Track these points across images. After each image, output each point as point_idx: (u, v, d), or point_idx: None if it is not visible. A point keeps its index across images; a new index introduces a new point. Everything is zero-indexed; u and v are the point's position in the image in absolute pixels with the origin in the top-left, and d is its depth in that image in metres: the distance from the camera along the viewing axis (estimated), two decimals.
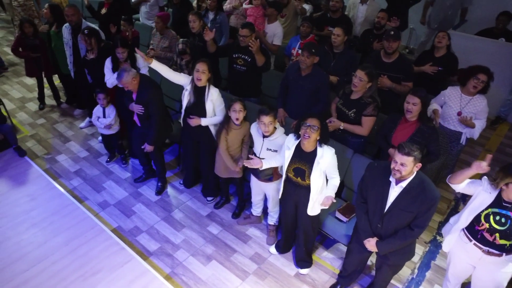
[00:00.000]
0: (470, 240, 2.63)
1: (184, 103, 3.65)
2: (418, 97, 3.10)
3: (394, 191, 2.52)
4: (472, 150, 5.10)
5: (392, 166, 2.44)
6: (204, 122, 3.61)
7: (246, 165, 3.11)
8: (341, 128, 3.52)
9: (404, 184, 2.48)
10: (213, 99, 3.55)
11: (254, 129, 3.33)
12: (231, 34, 5.33)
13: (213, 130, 3.70)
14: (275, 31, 4.98)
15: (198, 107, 3.58)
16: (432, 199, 2.43)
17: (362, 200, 2.75)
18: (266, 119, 3.03)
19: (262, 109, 3.08)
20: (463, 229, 2.68)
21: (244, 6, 5.27)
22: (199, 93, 3.55)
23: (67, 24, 4.65)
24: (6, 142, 4.64)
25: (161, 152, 4.24)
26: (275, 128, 3.17)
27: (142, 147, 3.89)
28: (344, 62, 4.20)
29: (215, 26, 5.22)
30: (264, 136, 3.21)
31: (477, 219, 2.55)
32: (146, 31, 5.75)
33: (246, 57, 4.00)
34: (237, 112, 3.28)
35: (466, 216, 2.62)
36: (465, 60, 4.58)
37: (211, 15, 5.30)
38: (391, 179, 2.53)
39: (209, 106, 3.57)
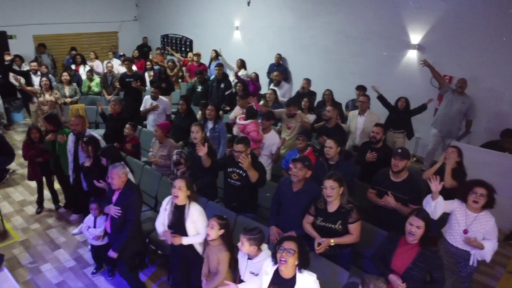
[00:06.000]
0: None
1: (166, 222, 3.48)
2: (423, 219, 2.88)
3: None
4: (491, 270, 4.62)
5: None
6: (185, 241, 3.40)
7: None
8: (332, 244, 3.26)
9: None
10: (194, 219, 3.38)
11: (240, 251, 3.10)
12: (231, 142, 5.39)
13: (198, 248, 3.46)
14: (273, 141, 4.99)
15: (178, 227, 3.41)
16: None
17: None
18: (240, 237, 2.91)
19: (247, 227, 2.98)
20: None
21: (239, 121, 5.25)
22: (179, 212, 3.40)
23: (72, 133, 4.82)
24: None
25: (133, 271, 3.91)
26: (259, 250, 2.96)
27: (108, 254, 3.63)
28: (341, 174, 4.06)
29: (213, 134, 5.34)
30: (249, 258, 2.98)
31: None
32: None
33: (241, 172, 3.91)
34: (209, 228, 3.13)
35: None
36: (472, 172, 4.42)
37: (210, 124, 5.46)
38: None
39: (189, 227, 3.38)
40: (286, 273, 2.66)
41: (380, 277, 2.33)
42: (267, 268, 2.77)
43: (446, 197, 3.97)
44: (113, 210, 3.59)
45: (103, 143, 4.76)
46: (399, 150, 3.76)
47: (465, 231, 3.41)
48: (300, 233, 3.51)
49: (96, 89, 8.48)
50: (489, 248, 3.38)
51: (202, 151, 3.95)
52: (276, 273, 2.71)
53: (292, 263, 2.61)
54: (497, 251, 4.83)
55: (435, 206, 3.39)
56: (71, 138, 4.83)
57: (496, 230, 3.40)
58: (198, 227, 3.39)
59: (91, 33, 12.19)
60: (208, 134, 5.33)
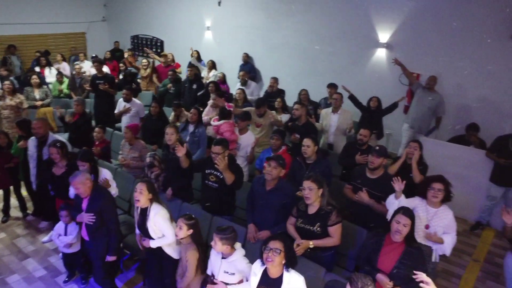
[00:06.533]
0: None
1: (135, 224, 3.50)
2: (409, 217, 2.94)
3: None
4: (459, 259, 4.80)
5: None
6: (153, 244, 3.38)
7: None
8: (311, 247, 3.28)
9: None
10: (153, 222, 3.34)
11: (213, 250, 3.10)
12: (208, 144, 5.37)
13: (168, 250, 3.43)
14: (248, 141, 4.99)
15: (143, 230, 3.43)
16: None
17: None
18: (214, 236, 2.91)
19: (219, 226, 2.98)
20: None
21: (213, 123, 5.25)
22: (142, 215, 3.41)
23: (33, 137, 4.68)
24: None
25: (109, 276, 3.89)
26: (233, 249, 2.97)
27: (106, 260, 3.63)
28: (318, 172, 4.10)
29: (193, 139, 5.28)
30: (223, 257, 2.99)
31: None
32: None
33: (219, 174, 3.87)
34: (177, 229, 3.13)
35: None
36: (440, 167, 4.59)
37: (191, 128, 5.40)
38: None
39: (150, 229, 3.37)
40: (273, 272, 2.67)
41: (367, 275, 2.35)
42: (256, 269, 2.77)
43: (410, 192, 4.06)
44: (86, 217, 3.52)
45: (69, 147, 4.64)
46: (377, 148, 3.86)
47: (427, 227, 3.49)
48: (274, 232, 3.49)
49: (67, 92, 8.25)
50: (449, 242, 3.47)
51: (181, 151, 3.91)
52: (265, 273, 2.72)
53: (278, 262, 2.62)
54: (463, 240, 5.10)
55: (398, 204, 3.45)
56: (32, 143, 4.68)
57: (455, 223, 3.51)
58: (160, 229, 3.36)
59: (58, 34, 11.80)
60: (187, 137, 5.29)
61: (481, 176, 5.32)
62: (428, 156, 4.67)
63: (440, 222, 3.47)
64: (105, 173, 4.22)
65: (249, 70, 8.64)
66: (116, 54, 10.90)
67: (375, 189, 3.84)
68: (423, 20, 6.81)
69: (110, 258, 3.65)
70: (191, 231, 3.13)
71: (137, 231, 3.58)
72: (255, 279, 2.75)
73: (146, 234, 3.42)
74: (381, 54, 7.47)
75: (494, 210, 5.37)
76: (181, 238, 3.15)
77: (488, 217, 5.46)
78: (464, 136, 5.74)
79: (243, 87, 7.36)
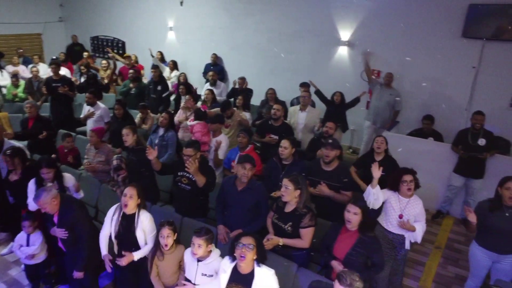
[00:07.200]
0: None
1: (113, 233, 3.30)
2: (359, 206, 3.03)
3: None
4: (422, 248, 5.03)
5: None
6: (137, 256, 3.25)
7: None
8: (280, 244, 3.30)
9: None
10: (144, 227, 3.25)
11: (188, 254, 3.07)
12: (178, 147, 5.32)
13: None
14: (222, 144, 4.96)
15: (127, 238, 3.26)
16: None
17: None
18: (196, 240, 2.86)
19: (196, 229, 2.92)
20: None
21: (189, 123, 5.23)
22: (127, 222, 3.25)
23: None
24: None
25: (95, 279, 3.76)
26: (210, 251, 2.96)
27: (74, 276, 3.43)
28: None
29: (162, 143, 5.21)
30: (198, 260, 2.96)
31: None
32: None
33: (191, 176, 3.80)
34: (165, 238, 3.04)
35: None
36: (401, 159, 4.77)
37: (161, 131, 5.32)
38: None
39: (140, 235, 3.26)
40: (244, 268, 2.68)
41: (355, 272, 2.39)
42: (225, 266, 2.77)
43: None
44: (58, 232, 3.38)
45: (27, 153, 4.44)
46: (330, 141, 3.94)
47: (400, 216, 3.63)
48: (246, 232, 3.50)
49: (23, 96, 7.83)
50: (420, 230, 3.64)
51: (152, 154, 3.81)
52: (235, 270, 2.72)
53: (250, 258, 2.64)
54: (426, 229, 5.32)
55: (375, 193, 3.54)
56: None
57: (424, 211, 3.69)
58: (148, 235, 3.28)
59: (10, 35, 11.22)
60: (156, 141, 5.21)
61: (442, 168, 5.57)
62: (390, 150, 4.86)
63: (413, 211, 3.63)
64: (69, 178, 4.08)
65: (219, 71, 8.59)
66: (75, 49, 10.48)
67: (333, 180, 3.93)
68: (381, 19, 7.06)
69: (77, 275, 3.41)
70: (176, 234, 3.11)
71: (104, 241, 3.39)
72: (225, 276, 2.75)
73: (127, 242, 3.25)
74: (343, 52, 7.67)
75: (454, 200, 5.67)
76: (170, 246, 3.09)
77: (448, 207, 5.75)
78: (422, 129, 6.02)
79: (212, 88, 7.32)
